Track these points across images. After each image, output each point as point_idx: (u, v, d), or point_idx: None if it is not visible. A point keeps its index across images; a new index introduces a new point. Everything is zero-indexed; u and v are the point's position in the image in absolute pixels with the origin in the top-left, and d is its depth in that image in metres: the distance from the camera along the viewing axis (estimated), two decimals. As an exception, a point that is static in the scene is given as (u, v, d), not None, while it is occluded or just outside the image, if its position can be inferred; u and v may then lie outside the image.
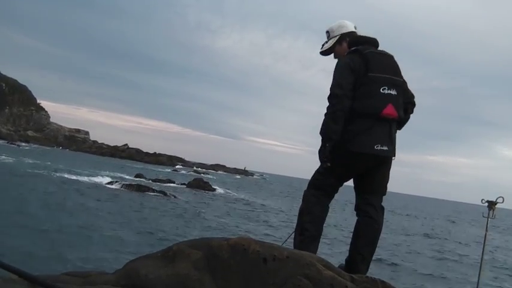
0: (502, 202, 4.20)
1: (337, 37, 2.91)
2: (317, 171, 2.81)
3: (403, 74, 2.79)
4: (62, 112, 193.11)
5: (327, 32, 3.00)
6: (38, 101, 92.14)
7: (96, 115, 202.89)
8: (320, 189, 2.76)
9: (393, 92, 2.63)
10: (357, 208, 2.82)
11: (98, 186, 23.88)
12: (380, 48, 2.83)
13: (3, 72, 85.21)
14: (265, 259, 2.15)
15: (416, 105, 2.94)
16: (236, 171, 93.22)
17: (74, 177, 26.31)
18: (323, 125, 2.66)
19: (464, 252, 18.40)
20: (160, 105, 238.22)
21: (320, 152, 2.69)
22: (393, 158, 2.78)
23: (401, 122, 2.82)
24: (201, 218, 17.03)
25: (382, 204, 2.80)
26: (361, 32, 2.96)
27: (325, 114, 2.65)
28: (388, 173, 2.81)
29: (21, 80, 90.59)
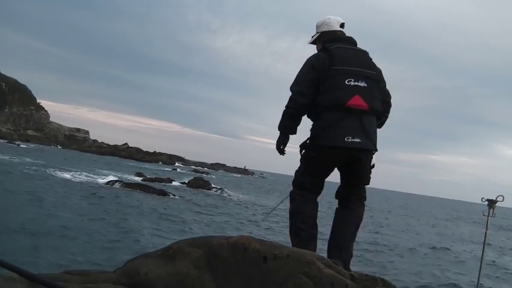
0: (502, 201, 4.21)
1: (318, 34, 2.96)
2: (296, 171, 2.84)
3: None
4: (62, 111, 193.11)
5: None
6: (38, 101, 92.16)
7: (96, 114, 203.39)
8: (303, 188, 2.77)
9: (362, 84, 2.61)
10: (339, 197, 2.84)
11: (97, 185, 23.86)
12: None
13: (3, 72, 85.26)
14: (265, 258, 2.15)
15: (392, 106, 2.92)
16: (236, 170, 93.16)
17: (72, 177, 26.27)
18: (280, 119, 2.79)
19: (463, 250, 18.41)
20: (160, 105, 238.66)
21: (277, 141, 2.83)
22: (373, 152, 2.72)
23: (379, 117, 2.76)
24: (199, 217, 17.03)
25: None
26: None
27: (283, 110, 2.76)
28: (369, 168, 2.75)
29: (21, 79, 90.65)
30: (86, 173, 29.67)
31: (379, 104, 2.70)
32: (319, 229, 2.78)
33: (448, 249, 18.36)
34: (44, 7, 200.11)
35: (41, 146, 70.68)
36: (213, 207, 21.19)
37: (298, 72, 2.72)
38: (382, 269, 11.41)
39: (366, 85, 2.62)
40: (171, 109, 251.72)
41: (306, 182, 2.76)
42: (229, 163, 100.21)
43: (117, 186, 24.17)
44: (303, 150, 2.79)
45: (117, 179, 27.20)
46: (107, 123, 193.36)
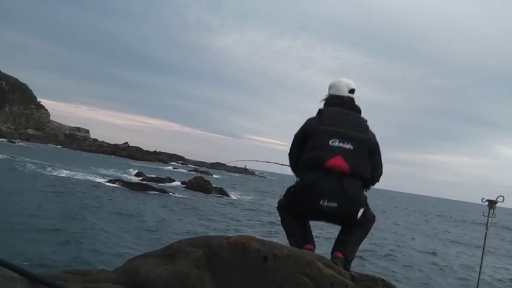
0: (502, 201, 4.21)
1: (327, 96, 2.98)
2: (281, 200, 2.85)
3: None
4: (62, 110, 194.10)
5: None
6: (38, 100, 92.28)
7: (96, 113, 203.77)
8: (289, 212, 2.79)
9: (347, 146, 2.58)
10: None
11: (96, 184, 23.85)
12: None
13: (4, 71, 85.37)
14: (265, 257, 2.15)
15: (378, 182, 2.86)
16: (236, 169, 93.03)
17: (70, 176, 26.29)
18: None
19: (463, 251, 18.43)
20: (160, 104, 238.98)
21: None
22: (359, 211, 2.62)
23: (365, 183, 2.68)
24: (198, 217, 17.04)
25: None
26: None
27: None
28: (355, 220, 2.66)
29: (22, 78, 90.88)
30: (85, 172, 29.68)
31: (364, 169, 2.63)
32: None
33: (453, 250, 18.39)
34: (43, 7, 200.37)
35: (40, 145, 70.66)
36: (213, 207, 21.20)
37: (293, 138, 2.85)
38: (383, 269, 11.42)
39: (351, 147, 2.58)
40: (171, 108, 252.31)
41: (293, 213, 2.78)
42: (230, 162, 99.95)
43: (117, 186, 24.16)
44: (287, 191, 2.82)
45: (116, 178, 27.21)
46: (107, 122, 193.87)
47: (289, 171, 2.94)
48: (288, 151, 2.87)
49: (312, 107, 2.86)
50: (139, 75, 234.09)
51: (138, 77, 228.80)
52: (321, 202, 2.51)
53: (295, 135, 2.80)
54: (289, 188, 2.84)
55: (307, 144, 2.66)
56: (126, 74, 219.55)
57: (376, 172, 2.77)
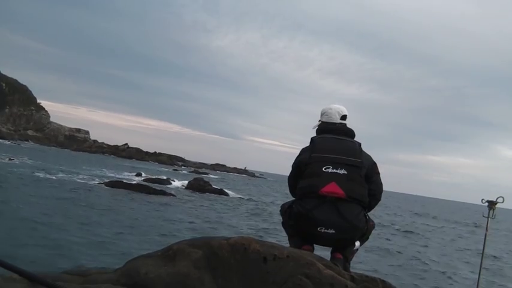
0: (502, 202, 4.20)
1: (319, 122, 3.03)
2: (284, 216, 2.85)
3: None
4: (62, 112, 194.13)
5: None
6: (38, 101, 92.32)
7: (96, 115, 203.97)
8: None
9: (341, 171, 2.61)
10: None
11: (97, 186, 23.85)
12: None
13: (4, 72, 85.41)
14: (265, 258, 2.16)
15: (379, 201, 2.87)
16: (236, 170, 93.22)
17: (72, 177, 26.29)
18: None
19: (463, 250, 18.42)
20: (160, 105, 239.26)
21: None
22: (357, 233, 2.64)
23: (364, 206, 2.68)
24: (198, 218, 17.03)
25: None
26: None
27: None
28: (354, 242, 2.70)
29: (21, 80, 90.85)
30: (85, 174, 29.66)
31: (361, 192, 2.65)
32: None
33: (454, 249, 18.37)
34: (43, 8, 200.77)
35: (39, 146, 70.68)
36: (213, 207, 21.19)
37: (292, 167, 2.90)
38: (384, 271, 11.41)
39: (346, 172, 2.62)
40: (170, 109, 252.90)
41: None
42: (230, 164, 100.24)
43: (117, 187, 24.12)
44: (284, 213, 2.83)
45: (116, 179, 27.19)
46: (107, 124, 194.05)
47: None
48: (288, 176, 2.94)
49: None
50: (139, 76, 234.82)
51: (137, 78, 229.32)
52: (319, 229, 2.54)
53: (293, 165, 2.88)
54: (284, 205, 2.88)
55: (303, 173, 2.70)
56: (126, 74, 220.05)
57: (376, 190, 2.80)
